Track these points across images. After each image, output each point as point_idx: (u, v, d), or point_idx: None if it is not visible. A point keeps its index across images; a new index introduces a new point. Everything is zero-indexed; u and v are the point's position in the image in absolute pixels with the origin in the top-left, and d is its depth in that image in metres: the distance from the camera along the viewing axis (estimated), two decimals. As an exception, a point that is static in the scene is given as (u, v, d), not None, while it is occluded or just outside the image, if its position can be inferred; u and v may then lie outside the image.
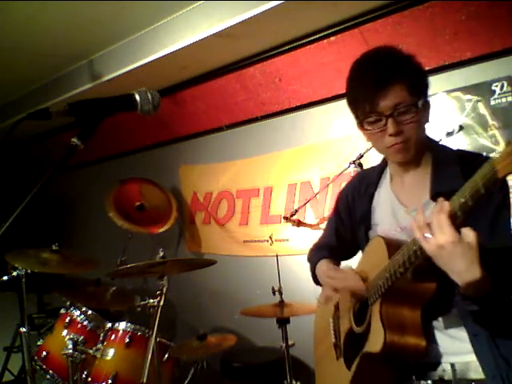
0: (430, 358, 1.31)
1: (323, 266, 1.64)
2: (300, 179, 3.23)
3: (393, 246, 1.28)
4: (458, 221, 1.06)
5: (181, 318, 4.02)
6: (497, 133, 2.40)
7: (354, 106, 1.36)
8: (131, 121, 3.80)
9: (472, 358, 1.25)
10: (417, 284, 1.25)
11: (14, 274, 2.86)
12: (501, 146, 2.39)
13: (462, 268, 1.06)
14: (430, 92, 1.35)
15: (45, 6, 2.57)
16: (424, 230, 1.10)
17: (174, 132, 3.95)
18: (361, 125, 1.36)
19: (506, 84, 2.37)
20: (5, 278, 2.86)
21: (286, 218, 2.70)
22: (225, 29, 2.60)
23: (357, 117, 1.37)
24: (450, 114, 2.53)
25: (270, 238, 2.98)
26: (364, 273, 1.40)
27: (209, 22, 2.65)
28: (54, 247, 2.94)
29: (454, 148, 1.41)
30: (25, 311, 3.08)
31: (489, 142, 2.42)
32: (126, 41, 3.13)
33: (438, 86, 2.56)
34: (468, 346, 1.25)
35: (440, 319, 1.31)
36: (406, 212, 1.38)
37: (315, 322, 1.79)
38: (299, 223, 2.67)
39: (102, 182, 4.22)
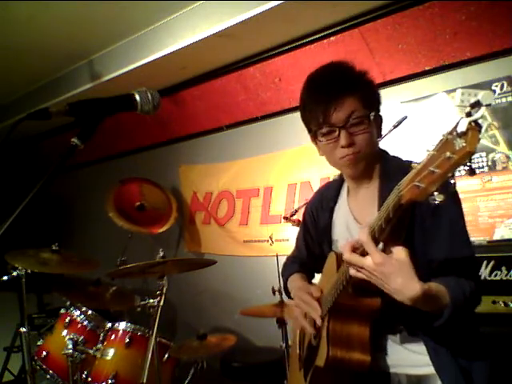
0: (386, 368, 1.32)
1: (295, 281, 1.65)
2: (300, 179, 3.23)
3: (341, 260, 1.27)
4: (379, 241, 1.07)
5: (181, 318, 4.02)
6: (497, 133, 2.40)
7: (308, 118, 1.38)
8: (131, 121, 3.80)
9: (429, 370, 1.24)
10: (361, 299, 1.25)
11: (14, 274, 2.84)
12: (501, 146, 2.39)
13: (398, 286, 1.05)
14: (425, 94, 1.34)
15: (45, 6, 2.57)
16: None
17: (174, 132, 3.95)
18: (314, 137, 1.39)
19: (506, 84, 2.37)
20: (5, 277, 2.85)
21: (286, 218, 2.71)
22: (225, 29, 2.60)
23: (310, 130, 1.40)
24: (450, 114, 2.53)
25: (270, 237, 2.98)
26: (320, 289, 1.43)
27: (209, 22, 2.65)
28: (54, 247, 2.93)
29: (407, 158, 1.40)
30: (25, 311, 3.06)
31: (489, 141, 2.42)
32: (125, 41, 3.13)
33: (438, 86, 2.56)
34: (426, 359, 1.25)
35: (397, 334, 1.32)
36: (359, 228, 1.38)
37: (293, 331, 1.81)
38: (299, 223, 2.65)
39: (102, 181, 4.22)
